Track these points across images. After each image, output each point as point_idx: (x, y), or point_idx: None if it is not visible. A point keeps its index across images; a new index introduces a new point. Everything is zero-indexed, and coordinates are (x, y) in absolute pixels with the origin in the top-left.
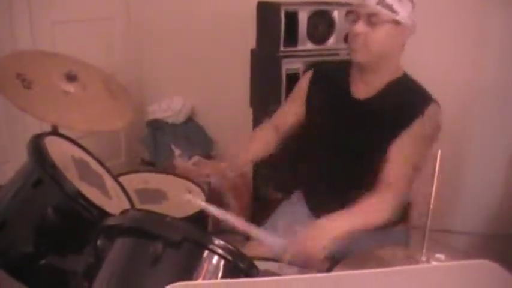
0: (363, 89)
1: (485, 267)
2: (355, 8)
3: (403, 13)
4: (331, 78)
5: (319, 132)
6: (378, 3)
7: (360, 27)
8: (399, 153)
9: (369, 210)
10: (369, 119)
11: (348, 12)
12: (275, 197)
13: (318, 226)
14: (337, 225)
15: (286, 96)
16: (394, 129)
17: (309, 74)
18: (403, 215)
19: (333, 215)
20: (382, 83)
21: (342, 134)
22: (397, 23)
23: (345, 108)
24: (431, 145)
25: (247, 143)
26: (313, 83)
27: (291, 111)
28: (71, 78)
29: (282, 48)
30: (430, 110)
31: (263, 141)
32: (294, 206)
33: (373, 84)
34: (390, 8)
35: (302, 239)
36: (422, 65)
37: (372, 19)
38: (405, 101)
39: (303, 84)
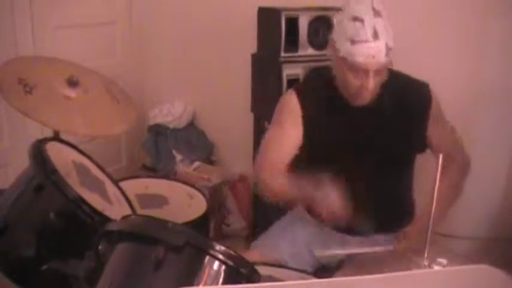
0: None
1: (486, 272)
2: (365, 64)
3: (393, 42)
4: (320, 90)
5: (326, 146)
6: (386, 55)
7: (372, 83)
8: (439, 133)
9: (447, 193)
10: (376, 123)
11: (352, 63)
12: (275, 203)
13: (412, 230)
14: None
15: None
16: (408, 128)
17: (294, 95)
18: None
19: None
20: (376, 88)
21: (350, 143)
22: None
23: (347, 117)
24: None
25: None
26: (303, 101)
27: (294, 138)
28: (72, 83)
29: (282, 54)
30: (432, 94)
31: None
32: (295, 219)
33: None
34: (391, 49)
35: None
36: (423, 67)
37: (380, 69)
38: (409, 99)
39: (293, 105)
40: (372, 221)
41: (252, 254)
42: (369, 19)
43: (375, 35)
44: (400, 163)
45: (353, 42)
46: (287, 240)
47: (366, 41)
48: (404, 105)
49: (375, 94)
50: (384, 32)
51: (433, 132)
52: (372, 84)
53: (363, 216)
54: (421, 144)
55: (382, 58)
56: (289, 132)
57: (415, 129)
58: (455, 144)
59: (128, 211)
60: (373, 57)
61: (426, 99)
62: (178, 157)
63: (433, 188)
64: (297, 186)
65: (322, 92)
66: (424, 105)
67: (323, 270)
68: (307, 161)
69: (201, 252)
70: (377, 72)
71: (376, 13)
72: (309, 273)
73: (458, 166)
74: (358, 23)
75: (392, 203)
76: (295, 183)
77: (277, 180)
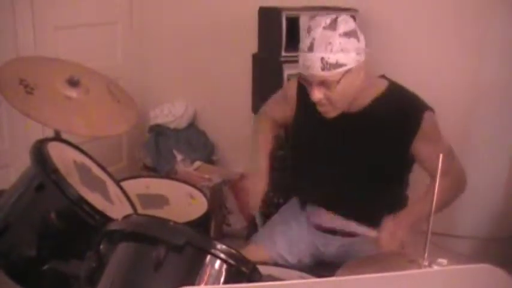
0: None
1: (487, 271)
2: (305, 76)
3: (350, 59)
4: None
5: (308, 144)
6: (323, 69)
7: (317, 94)
8: (428, 153)
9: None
10: (360, 131)
11: (300, 77)
12: (275, 200)
13: (392, 224)
14: (408, 218)
15: None
16: (391, 142)
17: (295, 85)
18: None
19: (404, 211)
20: (366, 100)
21: (333, 147)
22: (349, 71)
23: (335, 122)
24: (439, 130)
25: (260, 141)
26: (299, 94)
27: (284, 111)
28: (73, 83)
29: (283, 53)
30: (425, 121)
31: (271, 134)
32: (291, 213)
33: (357, 104)
34: (335, 65)
35: (383, 236)
36: (424, 67)
37: (324, 83)
38: (398, 115)
39: (292, 92)
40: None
41: (250, 250)
42: (315, 31)
43: (310, 47)
44: (379, 173)
45: (300, 51)
46: (282, 232)
47: (303, 52)
48: (392, 120)
49: (340, 105)
50: (322, 45)
51: (421, 152)
52: (315, 96)
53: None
54: (399, 162)
55: (315, 71)
56: (283, 106)
57: (396, 146)
58: (449, 165)
59: (129, 211)
60: (308, 68)
61: (415, 121)
62: (179, 157)
63: (433, 188)
64: (256, 153)
65: None
66: (411, 126)
67: (322, 264)
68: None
69: (202, 251)
70: (322, 84)
71: (329, 26)
72: (309, 271)
73: (449, 184)
74: (307, 34)
75: (369, 208)
76: (258, 149)
77: (261, 123)
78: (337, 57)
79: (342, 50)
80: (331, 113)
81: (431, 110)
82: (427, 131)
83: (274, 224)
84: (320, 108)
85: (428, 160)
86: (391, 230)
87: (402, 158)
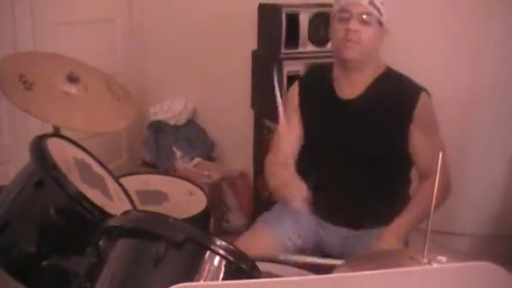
0: (348, 89)
1: (486, 269)
2: (347, 7)
3: (385, 16)
4: (316, 83)
5: (314, 137)
6: (370, 3)
7: (355, 24)
8: (421, 145)
9: (425, 199)
10: (359, 118)
11: (338, 11)
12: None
13: (387, 233)
14: (402, 227)
15: None
16: (389, 127)
17: (296, 85)
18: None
19: (396, 219)
20: (367, 81)
21: (335, 136)
22: (381, 24)
23: (334, 111)
24: (436, 120)
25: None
26: (301, 92)
27: (293, 128)
28: (72, 79)
29: (283, 50)
30: (421, 100)
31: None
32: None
33: (358, 83)
34: (378, 9)
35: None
36: (423, 66)
37: (364, 18)
38: (394, 96)
39: (293, 94)
40: (351, 216)
41: (257, 229)
42: None
43: None
44: (381, 163)
45: None
46: (290, 214)
47: None
48: (390, 104)
49: (363, 53)
50: None
51: (416, 140)
52: (354, 25)
53: (343, 209)
54: (401, 148)
55: (364, 1)
56: (294, 123)
57: (396, 131)
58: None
59: (128, 207)
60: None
61: (411, 101)
62: (178, 153)
63: (427, 187)
64: (276, 177)
65: (318, 85)
66: (407, 107)
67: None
68: (302, 151)
69: (201, 247)
70: (359, 19)
71: None
72: (309, 269)
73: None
74: None
75: (372, 201)
76: (278, 174)
77: (272, 167)
78: (381, 5)
79: (383, 4)
80: (354, 51)
81: (427, 92)
82: (422, 113)
83: (283, 206)
84: (347, 44)
85: (422, 153)
86: (388, 243)
87: (401, 144)
